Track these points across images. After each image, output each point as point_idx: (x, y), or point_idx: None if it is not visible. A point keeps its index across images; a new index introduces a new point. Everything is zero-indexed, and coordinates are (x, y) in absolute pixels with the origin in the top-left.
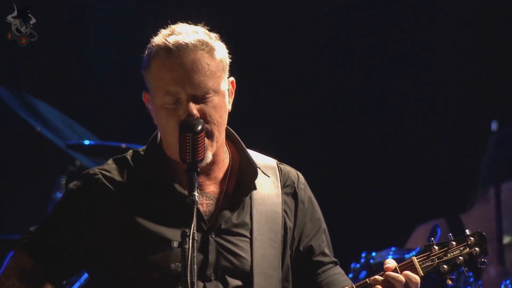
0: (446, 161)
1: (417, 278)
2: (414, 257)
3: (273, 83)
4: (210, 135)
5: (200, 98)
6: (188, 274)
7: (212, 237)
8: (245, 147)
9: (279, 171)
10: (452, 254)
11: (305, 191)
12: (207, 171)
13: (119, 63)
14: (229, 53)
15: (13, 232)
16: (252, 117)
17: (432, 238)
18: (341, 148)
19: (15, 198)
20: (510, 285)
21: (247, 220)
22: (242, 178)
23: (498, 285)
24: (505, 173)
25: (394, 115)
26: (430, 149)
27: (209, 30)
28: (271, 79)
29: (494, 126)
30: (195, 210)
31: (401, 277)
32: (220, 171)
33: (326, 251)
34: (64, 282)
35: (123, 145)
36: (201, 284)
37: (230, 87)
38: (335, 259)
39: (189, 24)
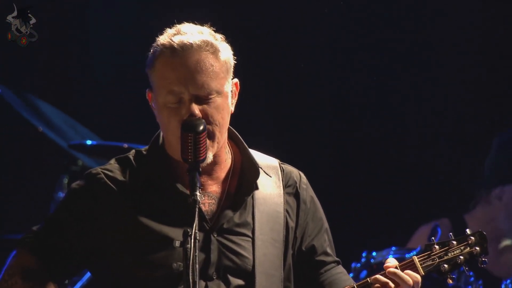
0: (447, 161)
1: (418, 277)
2: (415, 256)
3: (274, 83)
4: (211, 136)
5: (203, 99)
6: (190, 274)
7: (214, 237)
8: (247, 147)
9: (281, 171)
10: (452, 253)
11: (307, 191)
12: (209, 171)
13: (120, 63)
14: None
15: (16, 232)
16: (254, 117)
17: (433, 238)
18: (342, 148)
19: (17, 198)
20: (510, 285)
21: (249, 219)
22: (244, 178)
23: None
24: (508, 175)
25: (395, 115)
26: (430, 149)
27: (215, 31)
28: (272, 79)
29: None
30: (197, 209)
31: (407, 277)
32: (222, 171)
33: (328, 250)
34: (67, 281)
35: (125, 145)
36: (203, 284)
37: (234, 88)
38: (337, 259)
39: (195, 24)
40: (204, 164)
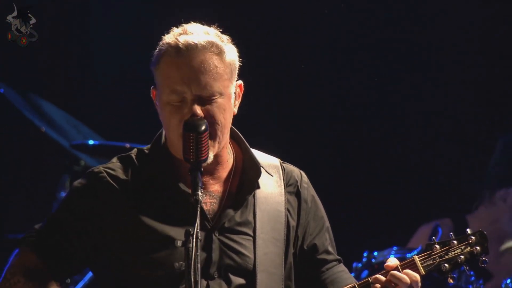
0: (447, 161)
1: (417, 276)
2: (415, 255)
3: (275, 83)
4: (213, 136)
5: (206, 99)
6: (192, 273)
7: (216, 236)
8: (249, 147)
9: (282, 170)
10: (453, 253)
11: (308, 190)
12: (211, 171)
13: (122, 64)
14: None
15: (18, 231)
16: (254, 117)
17: (434, 237)
18: (343, 148)
19: (19, 198)
20: (510, 284)
21: (250, 218)
22: (245, 177)
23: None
24: None
25: (397, 114)
26: (430, 148)
27: (222, 32)
28: (272, 79)
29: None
30: (198, 209)
31: (405, 277)
32: (224, 171)
33: (330, 249)
34: (69, 280)
35: (127, 145)
36: (204, 283)
37: (238, 90)
38: (338, 257)
39: (202, 24)
40: (205, 164)
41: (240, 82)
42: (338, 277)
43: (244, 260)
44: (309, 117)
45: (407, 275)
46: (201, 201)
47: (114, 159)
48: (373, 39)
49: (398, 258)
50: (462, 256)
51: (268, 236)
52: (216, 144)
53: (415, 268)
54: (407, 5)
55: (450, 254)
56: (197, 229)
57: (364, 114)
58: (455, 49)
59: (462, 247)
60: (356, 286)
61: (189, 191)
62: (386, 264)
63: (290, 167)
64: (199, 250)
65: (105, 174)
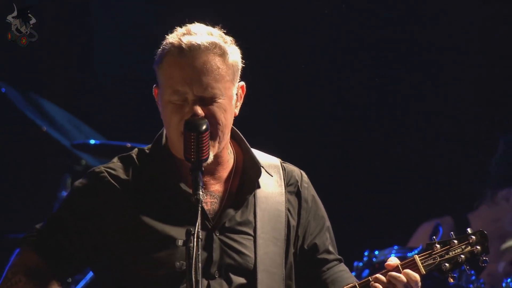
0: (447, 161)
1: (416, 276)
2: (416, 255)
3: (275, 83)
4: (213, 136)
5: (207, 100)
6: (193, 272)
7: (216, 235)
8: (249, 147)
9: (282, 170)
10: (453, 252)
11: (308, 189)
12: (212, 171)
13: (123, 63)
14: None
15: (19, 231)
16: (255, 117)
17: (434, 237)
18: (343, 147)
19: (21, 197)
20: (511, 284)
21: (251, 218)
22: (246, 177)
23: (499, 281)
24: None
25: (397, 114)
26: (431, 148)
27: (225, 33)
28: (272, 80)
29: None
30: (199, 208)
31: (402, 277)
32: (224, 171)
33: (330, 248)
34: (70, 280)
35: (128, 145)
36: (205, 282)
37: (240, 91)
38: (339, 257)
39: (206, 25)
40: (205, 164)
41: (242, 83)
42: (339, 276)
43: (245, 259)
44: (309, 117)
45: (407, 275)
46: (202, 201)
47: (115, 159)
48: (373, 39)
49: (399, 257)
50: (462, 256)
51: (269, 235)
52: (217, 144)
53: (415, 268)
54: (407, 5)
55: (450, 253)
56: (198, 228)
57: (364, 114)
58: (455, 49)
59: (463, 247)
60: (357, 285)
61: (190, 191)
62: (386, 263)
63: (290, 167)
64: (200, 250)
65: (106, 174)
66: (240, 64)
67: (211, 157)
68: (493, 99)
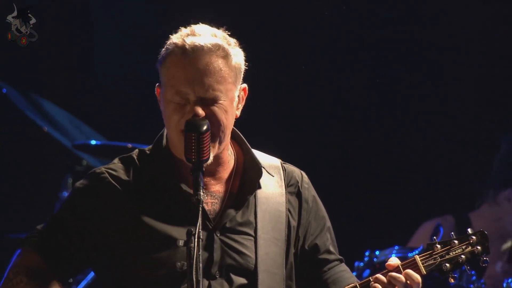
0: (448, 161)
1: (418, 278)
2: (416, 255)
3: (275, 83)
4: (214, 137)
5: (208, 101)
6: (194, 273)
7: (217, 236)
8: (250, 147)
9: (283, 170)
10: (454, 252)
11: (308, 190)
12: (213, 171)
13: (123, 63)
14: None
15: (20, 231)
16: (255, 117)
17: (435, 237)
18: (343, 147)
19: (21, 198)
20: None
21: (252, 218)
22: (246, 178)
23: (500, 282)
24: None
25: (397, 114)
26: (431, 148)
27: (229, 35)
28: (273, 80)
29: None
30: (200, 209)
31: (402, 277)
32: (225, 172)
33: (331, 248)
34: (71, 280)
35: (129, 145)
36: (206, 282)
37: (242, 93)
38: (340, 257)
39: (211, 26)
40: (205, 165)
41: (245, 85)
42: (339, 276)
43: (246, 260)
44: (309, 117)
45: (409, 276)
46: (202, 201)
47: (116, 160)
48: (373, 39)
49: (400, 258)
50: (463, 256)
51: (269, 236)
52: (217, 145)
53: (416, 268)
54: (407, 5)
55: (451, 253)
56: (199, 228)
57: (364, 114)
58: (455, 49)
59: (463, 247)
60: (358, 285)
61: (191, 191)
62: (387, 263)
63: (290, 167)
64: (200, 250)
65: (107, 174)
66: (243, 67)
67: (211, 158)
68: (494, 99)
